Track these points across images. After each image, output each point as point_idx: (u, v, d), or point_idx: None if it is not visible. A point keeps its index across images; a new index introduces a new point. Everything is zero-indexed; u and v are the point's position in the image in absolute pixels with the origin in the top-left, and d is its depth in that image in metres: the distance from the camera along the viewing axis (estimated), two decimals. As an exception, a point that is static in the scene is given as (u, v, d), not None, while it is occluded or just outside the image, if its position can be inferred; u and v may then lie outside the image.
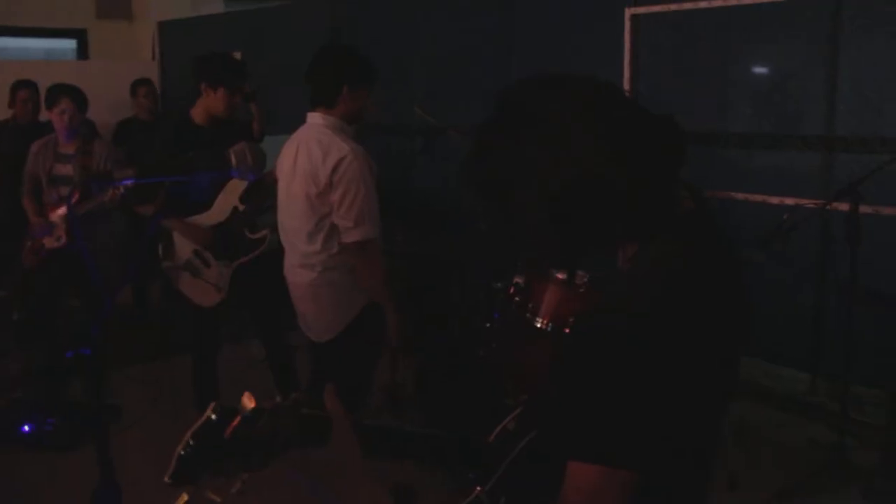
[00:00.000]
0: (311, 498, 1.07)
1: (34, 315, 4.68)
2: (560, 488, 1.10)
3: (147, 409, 4.21)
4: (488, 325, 3.62)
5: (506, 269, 3.59)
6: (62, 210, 4.30)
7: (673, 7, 4.37)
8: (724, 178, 4.29)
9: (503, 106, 1.20)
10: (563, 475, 1.10)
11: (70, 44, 8.77)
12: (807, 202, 3.64)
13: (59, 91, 4.40)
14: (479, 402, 3.51)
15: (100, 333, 1.71)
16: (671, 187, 1.18)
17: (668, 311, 1.11)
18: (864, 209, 3.38)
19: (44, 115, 4.83)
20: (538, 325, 3.35)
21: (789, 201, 3.87)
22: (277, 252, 3.31)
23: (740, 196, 4.20)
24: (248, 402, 1.04)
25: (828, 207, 3.53)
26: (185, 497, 1.07)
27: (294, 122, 3.17)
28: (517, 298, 3.44)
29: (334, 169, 2.89)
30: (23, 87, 5.63)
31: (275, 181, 3.23)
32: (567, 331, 3.19)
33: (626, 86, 4.46)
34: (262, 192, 3.66)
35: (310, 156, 2.94)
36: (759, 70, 4.29)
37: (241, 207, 3.72)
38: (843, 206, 3.43)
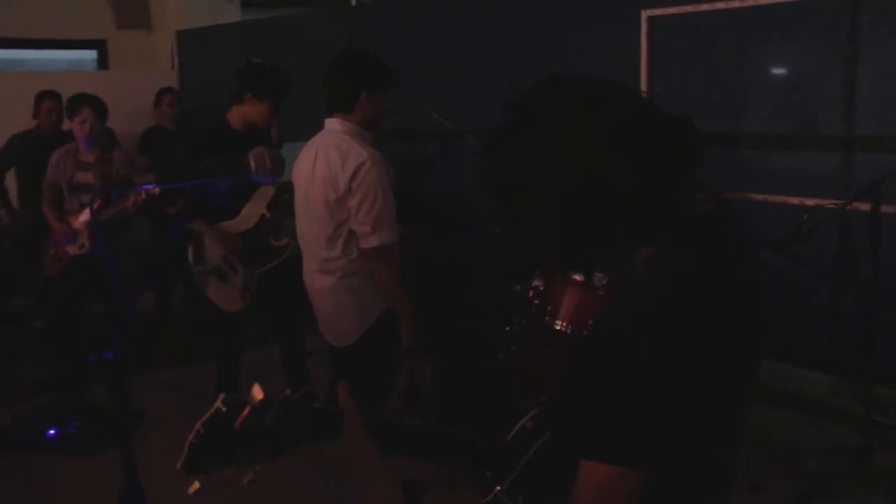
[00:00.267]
0: (323, 493, 1.07)
1: (57, 322, 4.73)
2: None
3: (170, 413, 4.24)
4: (507, 328, 3.63)
5: (522, 271, 3.60)
6: (84, 217, 4.35)
7: (689, 8, 4.36)
8: (743, 180, 4.27)
9: (512, 108, 1.21)
10: (577, 475, 1.10)
11: (91, 54, 8.87)
12: (827, 202, 3.62)
13: (81, 101, 4.47)
14: (497, 406, 3.51)
15: (122, 338, 1.73)
16: (676, 188, 1.18)
17: (672, 312, 1.12)
18: (885, 209, 3.35)
19: (66, 125, 4.89)
20: (557, 328, 3.35)
21: (809, 202, 3.84)
22: (297, 258, 3.33)
23: (760, 197, 4.18)
24: (258, 393, 1.06)
25: (848, 207, 3.50)
26: (196, 485, 1.08)
27: (310, 129, 3.18)
28: (536, 301, 3.45)
29: (353, 175, 2.89)
30: (47, 98, 5.73)
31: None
32: (584, 335, 3.19)
33: (643, 88, 4.45)
34: (289, 201, 3.70)
35: (328, 162, 2.95)
36: (778, 70, 4.27)
37: (269, 215, 3.76)
38: (864, 206, 3.41)
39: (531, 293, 3.45)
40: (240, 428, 1.04)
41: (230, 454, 1.05)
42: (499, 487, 1.22)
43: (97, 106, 4.44)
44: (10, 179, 6.02)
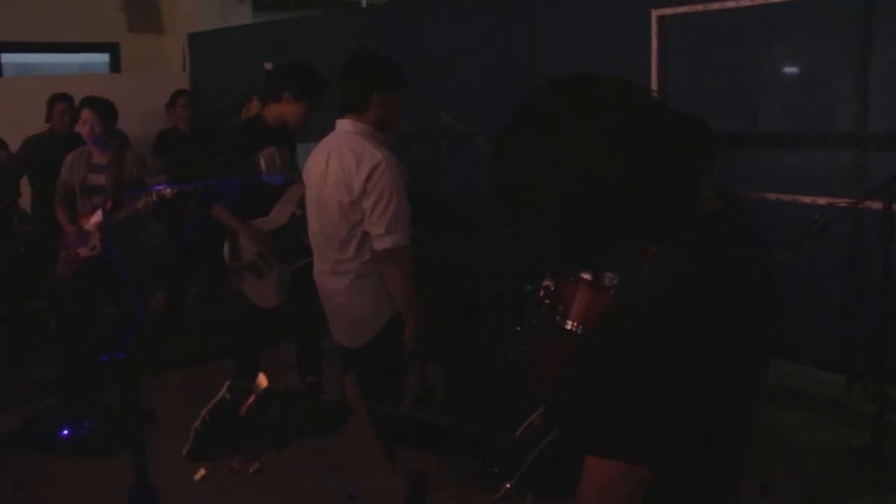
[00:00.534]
0: (326, 485, 1.08)
1: (67, 323, 4.76)
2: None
3: (181, 415, 4.25)
4: (519, 328, 3.63)
5: (532, 271, 3.60)
6: (96, 219, 4.38)
7: (700, 8, 4.35)
8: (755, 179, 4.26)
9: (520, 110, 1.21)
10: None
11: (103, 58, 8.93)
12: (838, 201, 3.60)
13: (82, 103, 4.52)
14: (509, 405, 3.51)
15: (133, 338, 1.75)
16: (678, 188, 1.17)
17: (672, 312, 1.12)
18: (897, 207, 3.34)
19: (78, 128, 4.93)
20: (568, 328, 3.35)
21: (821, 201, 3.82)
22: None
23: (772, 196, 4.17)
24: (262, 381, 1.07)
25: (860, 206, 3.48)
26: (202, 472, 1.09)
27: (322, 130, 3.18)
28: (547, 301, 3.45)
29: (368, 177, 2.88)
30: (59, 100, 5.78)
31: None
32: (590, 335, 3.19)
33: (654, 87, 4.45)
34: None
35: (342, 163, 2.93)
36: (789, 69, 4.26)
37: (299, 213, 3.80)
38: (876, 205, 3.39)
39: (542, 293, 3.45)
40: (245, 416, 1.05)
41: (235, 442, 1.06)
42: (508, 485, 1.23)
43: (96, 106, 4.45)
44: (23, 182, 6.08)
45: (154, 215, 4.20)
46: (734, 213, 1.27)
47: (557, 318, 3.38)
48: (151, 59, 8.80)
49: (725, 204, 1.25)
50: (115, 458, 3.89)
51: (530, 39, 5.27)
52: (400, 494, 1.07)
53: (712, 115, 4.08)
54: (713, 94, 4.42)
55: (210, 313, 6.30)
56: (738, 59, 4.33)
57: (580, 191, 1.12)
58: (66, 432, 4.15)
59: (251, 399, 1.06)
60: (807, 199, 3.99)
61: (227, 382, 1.07)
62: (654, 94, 1.23)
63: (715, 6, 4.27)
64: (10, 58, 8.61)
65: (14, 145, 5.98)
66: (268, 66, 6.95)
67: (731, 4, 4.19)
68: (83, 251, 4.45)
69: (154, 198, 3.73)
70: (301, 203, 3.77)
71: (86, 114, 4.43)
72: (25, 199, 6.12)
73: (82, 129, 4.46)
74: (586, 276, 3.31)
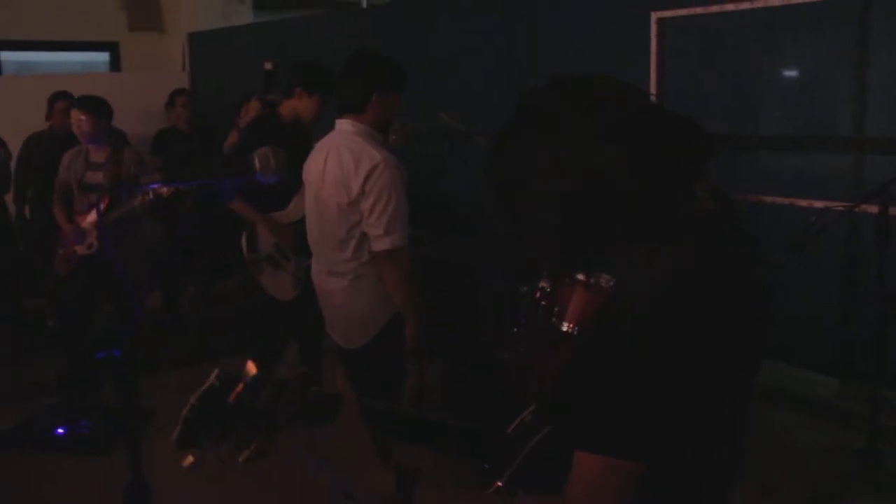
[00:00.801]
0: (317, 477, 1.08)
1: (66, 321, 4.77)
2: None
3: (178, 414, 4.25)
4: (515, 329, 3.63)
5: (530, 272, 3.60)
6: (93, 217, 4.38)
7: (699, 10, 4.35)
8: (753, 181, 4.26)
9: (520, 109, 1.22)
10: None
11: (103, 56, 8.94)
12: (835, 205, 3.61)
13: (72, 104, 4.55)
14: (505, 406, 3.51)
15: (131, 336, 1.75)
16: (677, 188, 1.18)
17: (670, 311, 1.12)
18: (893, 211, 3.34)
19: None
20: (564, 329, 3.35)
21: (818, 204, 3.83)
22: None
23: (768, 199, 4.17)
24: (251, 369, 1.07)
25: (857, 210, 3.49)
26: (190, 459, 1.09)
27: (321, 130, 3.19)
28: (543, 302, 3.45)
29: (367, 177, 2.86)
30: (60, 99, 5.78)
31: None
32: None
33: (653, 90, 4.45)
34: None
35: (341, 164, 2.92)
36: (788, 72, 4.27)
37: None
38: (873, 209, 3.40)
39: (538, 294, 3.44)
40: (234, 403, 1.05)
41: (224, 429, 1.06)
42: (499, 483, 1.23)
43: (87, 106, 4.44)
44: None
45: (150, 214, 4.20)
46: (730, 213, 1.28)
47: (553, 319, 3.37)
48: (152, 58, 8.80)
49: (720, 204, 1.26)
50: (114, 456, 3.90)
51: (531, 40, 5.28)
52: (389, 488, 1.08)
53: (710, 117, 4.09)
54: (711, 96, 4.43)
55: (208, 312, 6.31)
56: (737, 61, 4.34)
57: (580, 191, 1.13)
58: (64, 431, 4.15)
59: (240, 387, 1.06)
60: (804, 202, 4.00)
61: (216, 370, 1.07)
62: (652, 98, 1.23)
63: (714, 9, 4.27)
64: (9, 56, 8.62)
65: (13, 144, 5.99)
66: (268, 66, 6.96)
67: (730, 7, 4.19)
68: (80, 249, 4.46)
69: (150, 196, 3.75)
70: None
71: (76, 114, 4.44)
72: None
73: (75, 129, 4.47)
74: (582, 277, 3.31)
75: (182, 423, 1.07)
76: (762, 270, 1.29)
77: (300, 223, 3.84)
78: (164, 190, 2.66)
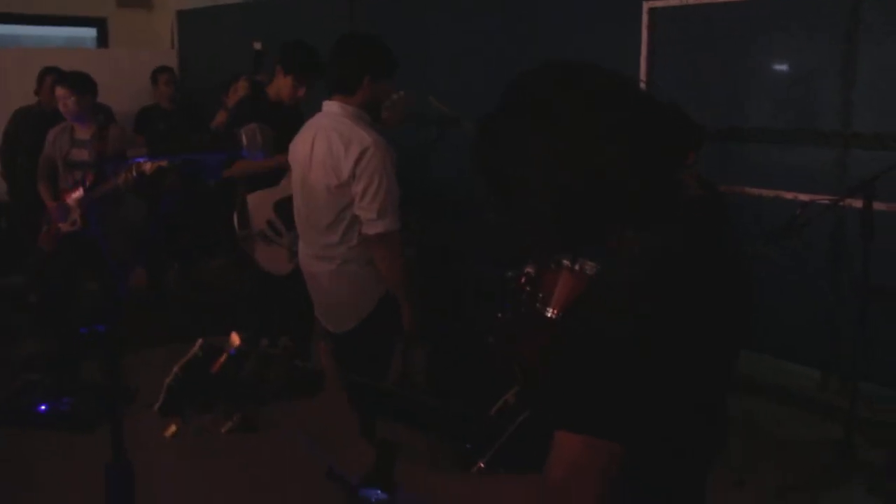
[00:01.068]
0: (303, 451, 1.08)
1: (49, 298, 4.74)
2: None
3: (160, 394, 4.25)
4: (499, 314, 3.64)
5: (516, 258, 3.61)
6: (77, 194, 4.36)
7: (691, 1, 4.36)
8: (739, 174, 4.28)
9: (511, 94, 1.21)
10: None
11: (90, 32, 8.84)
12: (821, 198, 3.63)
13: (55, 81, 4.52)
14: (489, 391, 3.53)
15: (115, 312, 1.75)
16: (676, 187, 1.19)
17: (656, 292, 1.12)
18: (878, 206, 3.37)
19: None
20: (549, 315, 3.36)
21: (804, 197, 3.85)
22: None
23: (754, 191, 4.20)
24: (235, 340, 1.07)
25: (842, 204, 3.51)
26: (173, 428, 1.10)
27: (310, 110, 3.17)
28: (528, 288, 3.46)
29: (357, 160, 2.83)
30: (50, 73, 5.72)
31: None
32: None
33: (643, 79, 4.46)
34: None
35: (330, 146, 2.88)
36: (776, 65, 4.28)
37: None
38: (858, 203, 3.43)
39: (523, 280, 3.45)
40: (217, 373, 1.05)
41: (207, 400, 1.07)
42: (482, 464, 1.24)
43: (71, 83, 4.42)
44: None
45: (134, 191, 4.18)
46: (716, 201, 1.29)
47: (538, 305, 3.38)
48: (139, 34, 8.72)
49: (707, 191, 1.27)
50: (97, 433, 3.89)
51: (521, 26, 5.27)
52: (369, 462, 1.08)
53: (699, 108, 4.11)
54: (700, 87, 4.44)
55: (193, 289, 6.30)
56: (727, 53, 4.35)
57: (579, 187, 1.13)
58: (46, 408, 4.13)
59: (223, 357, 1.06)
60: (789, 195, 4.02)
61: (200, 340, 1.07)
62: (643, 86, 1.24)
63: (706, 0, 4.28)
64: (-6, 29, 8.52)
65: (-1, 117, 5.95)
66: (257, 45, 6.92)
67: (721, -2, 4.21)
68: (64, 226, 4.43)
69: (134, 173, 3.73)
70: None
71: (59, 91, 4.41)
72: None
73: (59, 105, 4.44)
74: (568, 263, 3.32)
75: (165, 392, 1.08)
76: (745, 258, 1.30)
77: (291, 199, 3.84)
78: (148, 166, 2.64)
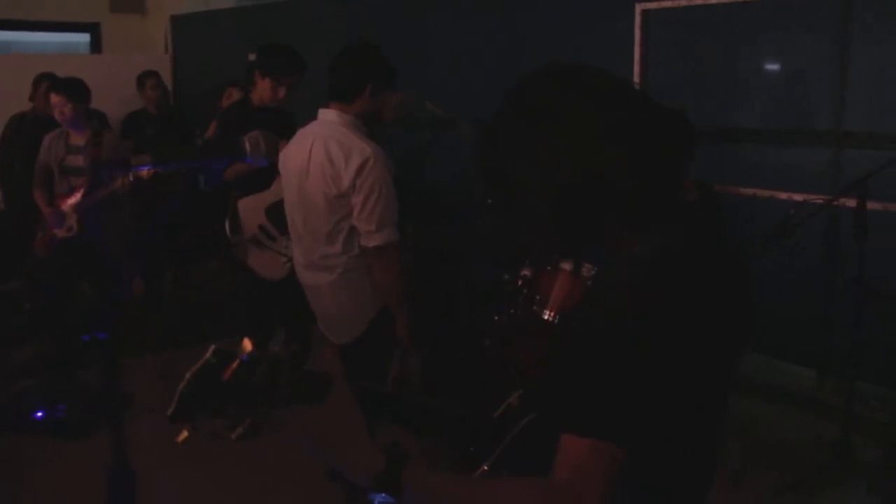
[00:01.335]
0: (306, 455, 1.09)
1: (45, 304, 4.73)
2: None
3: (158, 398, 4.24)
4: (496, 317, 3.64)
5: (511, 260, 3.61)
6: (73, 200, 4.36)
7: (683, 3, 4.38)
8: (733, 174, 4.30)
9: (513, 96, 1.22)
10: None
11: (84, 37, 8.83)
12: (815, 198, 3.65)
13: (50, 87, 4.51)
14: (486, 394, 3.53)
15: (116, 317, 1.74)
16: (676, 187, 1.20)
17: (657, 294, 1.13)
18: (872, 205, 3.38)
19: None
20: (545, 318, 3.37)
21: (798, 197, 3.87)
22: None
23: (748, 191, 4.21)
24: (247, 346, 1.08)
25: (835, 203, 3.52)
26: (185, 434, 1.10)
27: (304, 117, 3.13)
28: (524, 291, 3.46)
29: (358, 172, 2.80)
30: (45, 80, 5.72)
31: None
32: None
33: (636, 80, 4.48)
34: None
35: (329, 156, 2.84)
36: (769, 66, 4.30)
37: None
38: (851, 202, 3.44)
39: (520, 282, 3.46)
40: (229, 380, 1.06)
41: (219, 405, 1.07)
42: (485, 466, 1.25)
43: (65, 89, 4.41)
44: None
45: (131, 196, 4.18)
46: (714, 203, 1.29)
47: (534, 307, 3.39)
48: (133, 40, 8.71)
49: (704, 194, 1.27)
50: (92, 439, 3.89)
51: (514, 29, 5.28)
52: (378, 467, 1.09)
53: (692, 109, 4.11)
54: (694, 88, 4.46)
55: (188, 295, 6.29)
56: (720, 54, 4.37)
57: (579, 187, 1.14)
58: (40, 414, 4.13)
59: (235, 363, 1.07)
60: (783, 195, 4.04)
61: (213, 346, 1.08)
62: (637, 88, 1.24)
63: (698, 1, 4.30)
64: (-14, 35, 8.50)
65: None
66: (251, 57, 6.91)
67: (714, 0, 4.22)
68: (60, 232, 4.43)
69: (131, 179, 3.73)
70: None
71: (55, 98, 4.40)
72: None
73: (55, 113, 4.44)
74: (566, 266, 3.33)
75: (177, 398, 1.08)
76: (745, 258, 1.31)
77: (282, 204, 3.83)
78: (145, 172, 2.64)
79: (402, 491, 1.09)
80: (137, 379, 4.51)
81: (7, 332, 5.26)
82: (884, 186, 3.43)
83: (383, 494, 1.08)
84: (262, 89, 3.96)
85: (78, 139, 4.50)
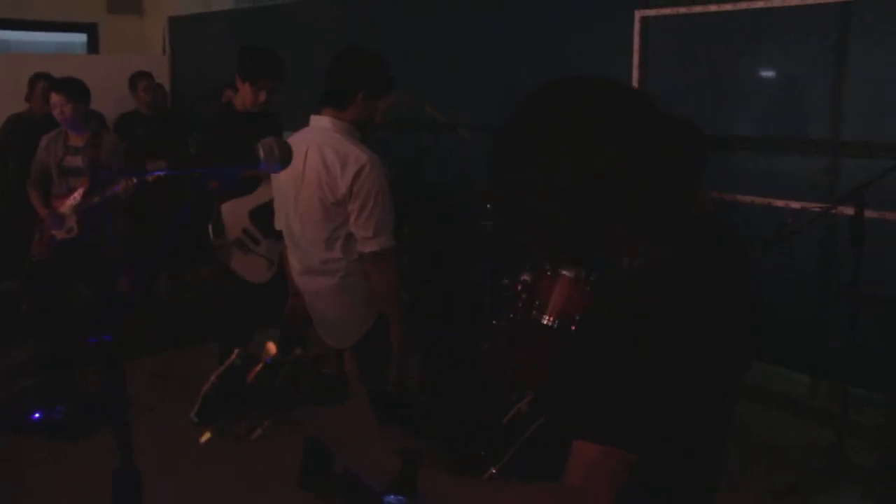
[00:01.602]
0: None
1: (43, 305, 4.73)
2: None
3: (154, 400, 4.24)
4: (495, 321, 3.66)
5: (511, 264, 3.63)
6: (73, 201, 4.35)
7: (682, 10, 4.40)
8: (730, 181, 4.32)
9: (519, 106, 1.24)
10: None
11: (81, 38, 8.82)
12: (812, 206, 3.68)
13: (51, 87, 4.51)
14: (484, 398, 3.55)
15: (120, 319, 1.76)
16: (677, 189, 1.21)
17: (671, 304, 1.15)
18: (868, 213, 3.41)
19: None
20: (544, 322, 3.39)
21: (795, 205, 3.90)
22: None
23: (746, 199, 4.24)
24: (272, 349, 1.09)
25: (832, 211, 3.55)
26: (208, 434, 1.11)
27: (300, 120, 3.10)
28: (524, 295, 3.49)
29: (354, 179, 2.81)
30: (41, 80, 5.71)
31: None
32: (574, 328, 3.24)
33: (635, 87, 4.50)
34: None
35: (325, 163, 2.85)
36: (767, 74, 4.33)
37: None
38: (848, 210, 3.47)
39: (519, 287, 3.48)
40: (252, 383, 1.07)
41: (242, 408, 1.08)
42: (494, 469, 1.26)
43: (66, 89, 4.41)
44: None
45: (134, 199, 4.18)
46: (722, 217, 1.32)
47: (534, 312, 3.41)
48: (130, 41, 8.71)
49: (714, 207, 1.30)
50: (91, 440, 3.89)
51: (511, 36, 5.29)
52: (393, 470, 1.10)
53: (691, 116, 4.14)
54: (692, 95, 4.48)
55: (182, 298, 6.29)
56: (718, 62, 4.40)
57: (580, 188, 1.15)
58: (38, 415, 4.12)
59: (259, 366, 1.08)
60: (780, 203, 4.07)
61: (237, 349, 1.09)
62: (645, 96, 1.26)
63: (698, 9, 4.33)
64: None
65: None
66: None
67: (713, 7, 4.25)
68: (59, 234, 4.42)
69: (134, 182, 3.74)
70: None
71: (55, 98, 4.40)
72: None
73: (55, 112, 4.43)
74: (566, 272, 3.35)
75: (201, 400, 1.09)
76: (749, 264, 1.33)
77: (267, 207, 3.82)
78: (149, 176, 2.65)
79: (417, 493, 1.10)
80: (135, 379, 4.51)
81: (4, 332, 5.26)
82: (880, 195, 3.46)
83: (398, 497, 1.10)
84: (244, 94, 3.94)
85: (77, 140, 4.50)
